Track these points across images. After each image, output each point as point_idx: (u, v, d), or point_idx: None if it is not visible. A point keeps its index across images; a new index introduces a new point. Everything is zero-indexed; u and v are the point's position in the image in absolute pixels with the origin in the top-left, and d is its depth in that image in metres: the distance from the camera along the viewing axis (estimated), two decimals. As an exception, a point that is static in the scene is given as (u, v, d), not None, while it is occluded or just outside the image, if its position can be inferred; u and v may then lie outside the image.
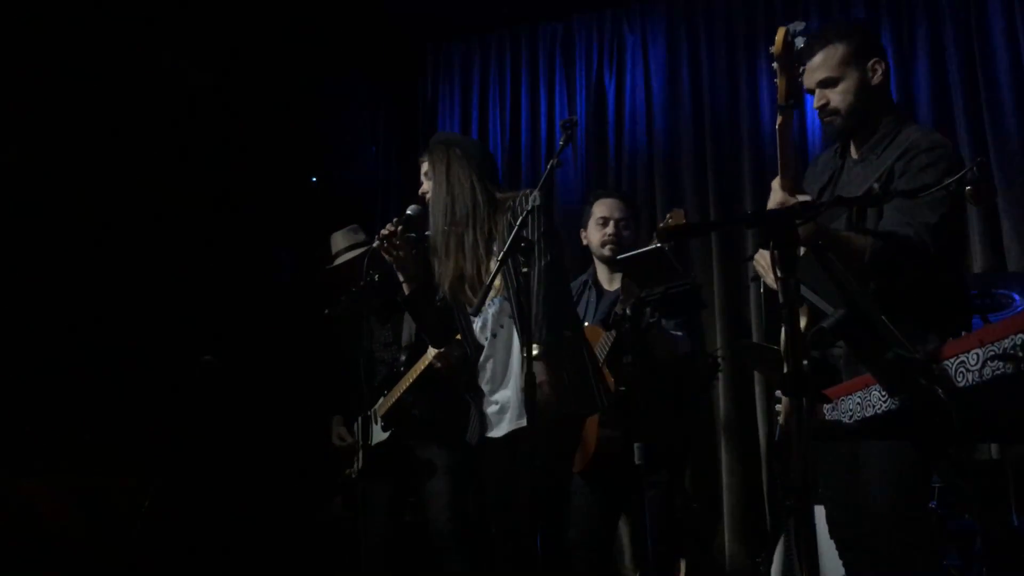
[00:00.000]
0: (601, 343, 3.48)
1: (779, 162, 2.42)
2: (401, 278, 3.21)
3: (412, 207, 3.22)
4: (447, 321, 3.20)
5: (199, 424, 4.41)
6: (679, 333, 3.74)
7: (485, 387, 3.09)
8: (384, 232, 3.13)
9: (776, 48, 2.32)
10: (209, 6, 5.06)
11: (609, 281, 3.88)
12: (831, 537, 2.57)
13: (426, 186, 3.21)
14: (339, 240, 4.30)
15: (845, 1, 5.26)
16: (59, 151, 4.76)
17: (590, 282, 3.90)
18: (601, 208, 3.90)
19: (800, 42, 2.32)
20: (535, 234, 2.89)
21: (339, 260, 4.22)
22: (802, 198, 2.37)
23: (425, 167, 3.23)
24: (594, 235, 3.88)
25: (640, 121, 5.64)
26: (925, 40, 5.05)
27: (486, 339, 3.09)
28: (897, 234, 2.32)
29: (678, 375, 3.91)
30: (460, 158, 3.11)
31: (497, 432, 3.04)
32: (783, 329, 2.33)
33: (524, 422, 2.93)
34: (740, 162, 5.34)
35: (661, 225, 3.64)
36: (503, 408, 3.03)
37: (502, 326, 3.04)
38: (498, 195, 3.10)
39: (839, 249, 2.32)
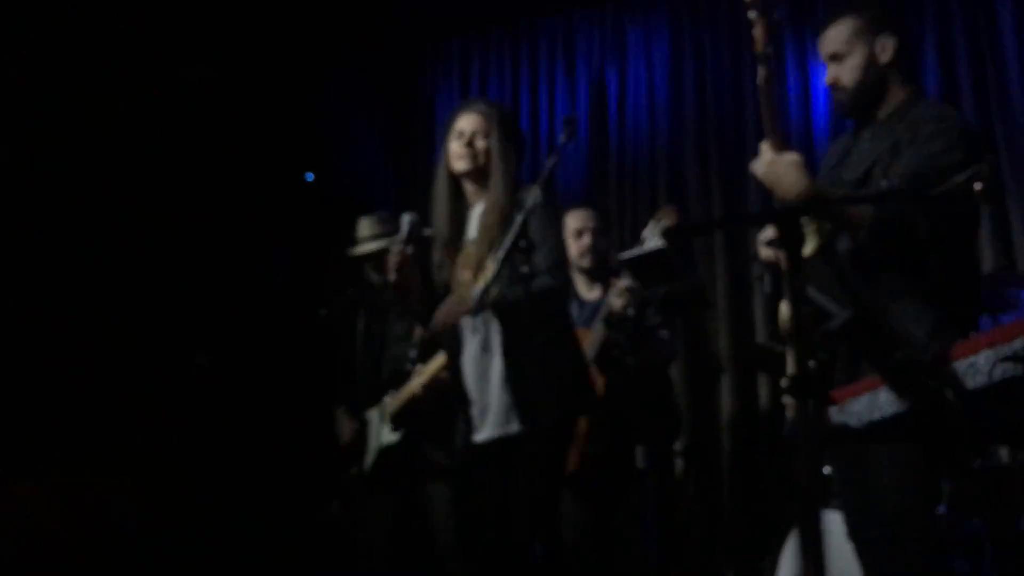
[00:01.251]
0: (589, 344, 3.47)
1: (764, 122, 2.37)
2: (403, 300, 3.12)
3: (408, 219, 3.07)
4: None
5: (194, 425, 4.39)
6: (664, 334, 3.74)
7: (470, 387, 3.02)
8: (398, 260, 2.99)
9: None
10: (207, 4, 5.04)
11: (588, 290, 3.91)
12: (850, 539, 2.54)
13: (481, 144, 3.03)
14: (364, 227, 4.23)
15: (851, -3, 5.21)
16: (54, 149, 4.74)
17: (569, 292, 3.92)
18: (574, 220, 3.93)
19: None
20: (536, 234, 2.85)
21: (360, 248, 4.17)
22: (789, 155, 2.34)
23: (480, 124, 3.04)
24: (571, 247, 3.89)
25: (642, 117, 5.59)
26: (934, 38, 5.00)
27: (468, 337, 3.02)
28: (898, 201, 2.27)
29: (664, 376, 3.92)
30: (509, 136, 3.03)
31: (479, 436, 2.98)
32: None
33: (513, 429, 2.89)
34: (745, 159, 5.24)
35: (651, 223, 3.63)
36: (484, 411, 2.96)
37: (484, 323, 2.96)
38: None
39: (838, 216, 2.28)
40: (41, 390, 4.46)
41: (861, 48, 2.54)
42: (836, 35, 2.55)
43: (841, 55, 2.55)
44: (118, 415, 4.59)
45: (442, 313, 2.94)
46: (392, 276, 3.03)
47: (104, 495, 4.31)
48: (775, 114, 2.37)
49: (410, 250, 3.02)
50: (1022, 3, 4.81)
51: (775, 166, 2.36)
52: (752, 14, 2.28)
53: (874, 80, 2.54)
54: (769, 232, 2.49)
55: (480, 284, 2.75)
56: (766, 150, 2.38)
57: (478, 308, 2.79)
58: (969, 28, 4.92)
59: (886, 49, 2.54)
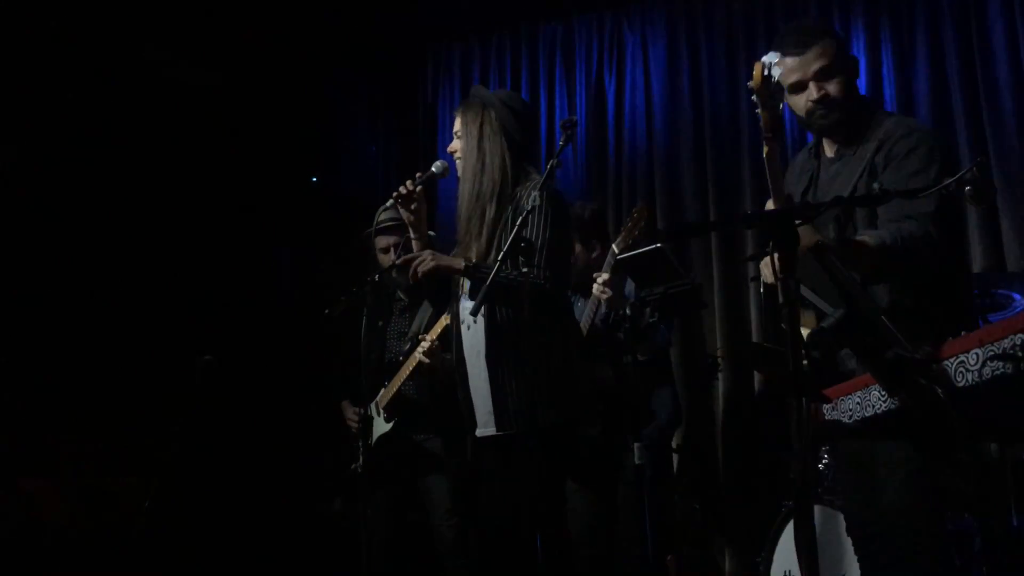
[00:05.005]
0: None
1: (772, 190, 2.41)
2: (412, 235, 3.16)
3: (438, 163, 3.16)
4: (448, 287, 3.15)
5: (199, 424, 4.41)
6: (661, 326, 3.79)
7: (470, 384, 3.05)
8: (402, 191, 3.07)
9: (755, 83, 2.32)
10: (210, 6, 5.07)
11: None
12: (848, 535, 2.57)
13: (456, 145, 3.12)
14: (383, 214, 4.29)
15: (844, 3, 5.25)
16: (60, 151, 4.76)
17: None
18: None
19: (776, 73, 2.33)
20: (536, 235, 2.89)
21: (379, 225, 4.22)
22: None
23: (457, 124, 3.12)
24: None
25: (640, 121, 5.64)
26: (925, 40, 5.05)
27: (466, 329, 3.05)
28: (903, 229, 2.29)
29: (661, 367, 3.96)
30: (493, 124, 3.03)
31: (477, 431, 3.03)
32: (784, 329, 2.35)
33: (491, 431, 2.94)
34: (740, 162, 5.34)
35: (627, 223, 3.70)
36: (476, 408, 3.01)
37: (476, 321, 2.98)
38: (527, 169, 3.05)
39: (848, 255, 2.27)
40: (50, 389, 4.49)
41: (845, 67, 2.61)
42: (824, 53, 2.58)
43: (831, 71, 2.59)
44: (125, 413, 4.62)
45: (434, 256, 2.96)
46: (391, 200, 3.11)
47: (111, 491, 4.34)
48: (780, 184, 2.41)
49: (419, 188, 3.08)
50: (1011, 5, 4.86)
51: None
52: (754, 98, 2.34)
53: (855, 97, 2.62)
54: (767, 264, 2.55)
55: (482, 292, 2.77)
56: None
57: (476, 310, 2.82)
58: (959, 30, 4.96)
59: (856, 68, 2.64)
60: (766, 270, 2.55)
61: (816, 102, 2.60)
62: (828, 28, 2.72)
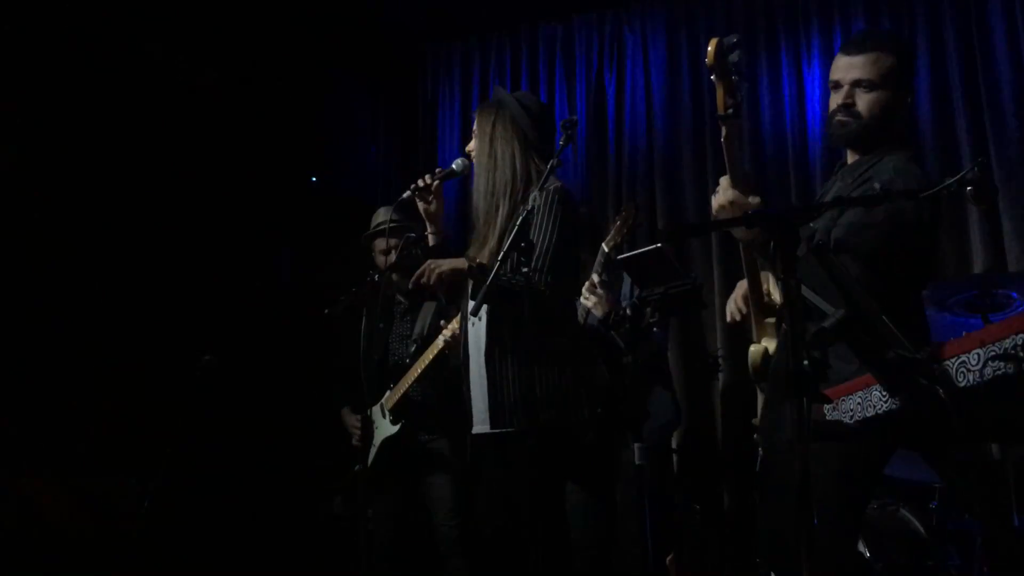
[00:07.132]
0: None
1: (729, 172, 2.40)
2: (429, 229, 3.21)
3: (458, 161, 3.19)
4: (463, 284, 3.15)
5: (199, 424, 4.41)
6: (654, 329, 3.78)
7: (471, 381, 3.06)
8: (420, 184, 3.13)
9: (709, 59, 2.31)
10: (210, 6, 5.07)
11: None
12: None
13: (472, 144, 3.17)
14: (381, 214, 4.29)
15: (844, 3, 5.25)
16: (59, 150, 4.76)
17: None
18: None
19: (735, 56, 2.32)
20: (540, 237, 2.88)
21: (376, 229, 4.23)
22: (754, 199, 2.38)
23: (474, 128, 3.17)
24: None
25: (640, 121, 5.64)
26: (925, 40, 5.05)
27: (471, 326, 3.05)
28: (830, 236, 2.35)
29: (657, 370, 3.96)
30: (507, 123, 3.06)
31: (474, 429, 3.03)
32: (783, 329, 2.35)
33: (486, 428, 2.94)
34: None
35: (614, 227, 3.70)
36: (474, 404, 3.02)
37: (480, 319, 2.99)
38: (541, 168, 3.03)
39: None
40: (50, 389, 4.49)
41: (892, 88, 2.54)
42: (874, 63, 2.54)
43: (872, 84, 2.54)
44: (125, 413, 4.62)
45: (436, 262, 2.98)
46: (408, 192, 3.16)
47: (111, 491, 4.34)
48: (737, 166, 2.41)
49: (436, 183, 3.13)
50: (1012, 6, 4.86)
51: (735, 208, 2.40)
52: (712, 77, 2.33)
53: (888, 122, 2.55)
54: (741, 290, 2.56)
55: (483, 291, 2.77)
56: (727, 187, 2.41)
57: (477, 310, 2.82)
58: (960, 31, 4.96)
59: (906, 102, 2.57)
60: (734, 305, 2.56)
61: (840, 106, 2.58)
62: (897, 43, 2.61)
